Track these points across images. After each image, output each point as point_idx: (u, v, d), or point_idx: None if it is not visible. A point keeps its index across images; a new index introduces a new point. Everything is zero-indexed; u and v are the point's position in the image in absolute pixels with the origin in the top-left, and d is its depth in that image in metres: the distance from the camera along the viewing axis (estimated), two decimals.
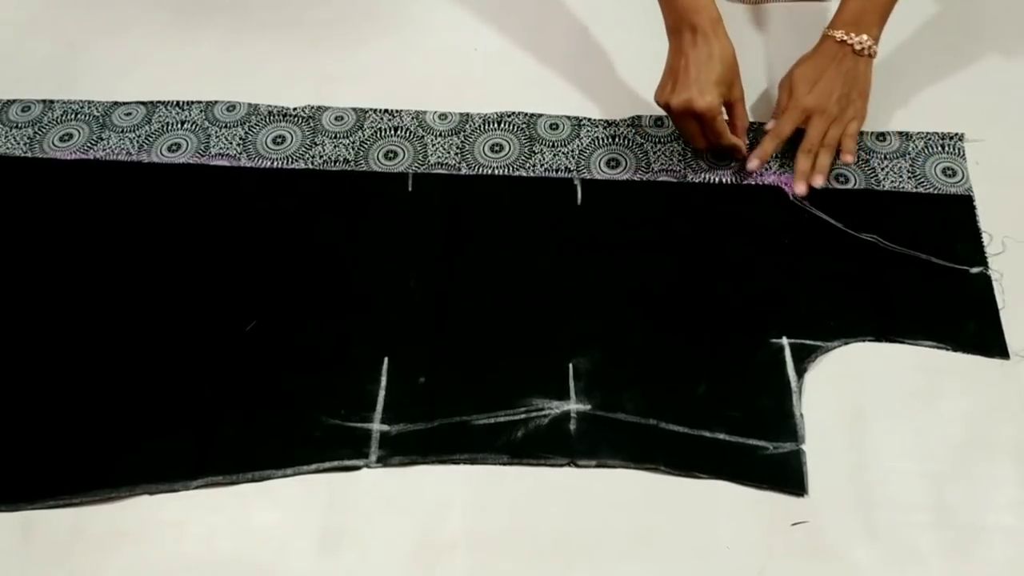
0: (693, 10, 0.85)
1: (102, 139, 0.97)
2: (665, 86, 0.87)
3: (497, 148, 0.95)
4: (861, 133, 0.95)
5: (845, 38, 0.89)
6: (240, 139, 0.97)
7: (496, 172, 0.93)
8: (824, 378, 0.79)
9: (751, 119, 0.95)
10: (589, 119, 0.98)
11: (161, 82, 1.03)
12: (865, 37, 0.89)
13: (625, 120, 0.97)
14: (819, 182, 0.89)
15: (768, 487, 0.73)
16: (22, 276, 0.87)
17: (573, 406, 0.78)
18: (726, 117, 0.90)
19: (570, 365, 0.80)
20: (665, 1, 0.87)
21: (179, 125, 0.98)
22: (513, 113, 0.98)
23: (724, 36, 0.86)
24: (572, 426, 0.77)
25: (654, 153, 0.94)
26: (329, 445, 0.76)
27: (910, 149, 0.94)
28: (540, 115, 0.98)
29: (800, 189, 0.89)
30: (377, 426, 0.77)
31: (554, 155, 0.95)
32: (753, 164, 0.90)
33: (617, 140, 0.96)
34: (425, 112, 0.99)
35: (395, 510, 0.73)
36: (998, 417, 0.77)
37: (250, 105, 1.00)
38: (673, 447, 0.75)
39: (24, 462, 0.76)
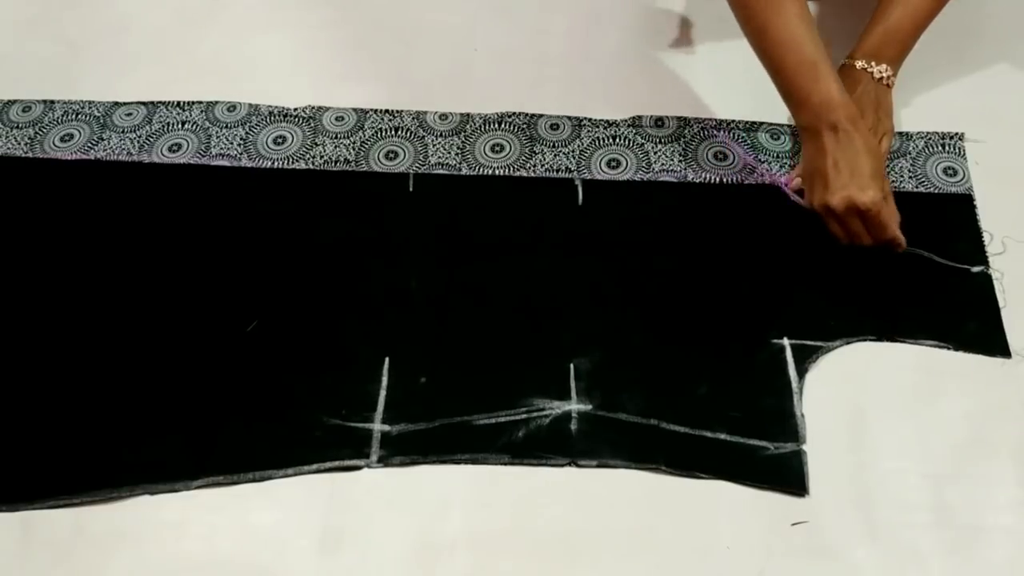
0: (830, 108, 0.81)
1: (103, 139, 0.97)
2: (816, 189, 0.82)
3: (498, 148, 0.95)
4: None
5: (866, 66, 0.89)
6: (241, 139, 0.97)
7: (497, 172, 0.93)
8: (825, 378, 0.79)
9: (753, 119, 0.95)
10: (590, 119, 0.98)
11: (162, 82, 1.03)
12: (885, 67, 0.89)
13: (625, 120, 0.97)
14: None
15: (769, 487, 0.74)
16: (23, 276, 0.87)
17: (574, 406, 0.78)
18: None
19: (571, 365, 0.80)
20: (797, 101, 0.83)
21: (180, 125, 0.98)
22: (514, 113, 0.98)
23: (867, 131, 0.83)
24: (573, 426, 0.77)
25: (655, 153, 0.94)
26: (330, 445, 0.76)
27: (910, 149, 0.94)
28: (540, 115, 0.98)
29: None
30: (378, 426, 0.77)
31: (555, 155, 0.95)
32: (796, 182, 0.87)
33: (618, 140, 0.96)
34: (426, 112, 0.99)
35: (395, 510, 0.73)
36: (998, 417, 0.77)
37: (251, 105, 1.00)
38: (674, 447, 0.75)
39: (25, 462, 0.76)
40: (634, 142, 0.96)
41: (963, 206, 0.89)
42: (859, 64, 0.89)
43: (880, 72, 0.89)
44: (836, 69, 0.90)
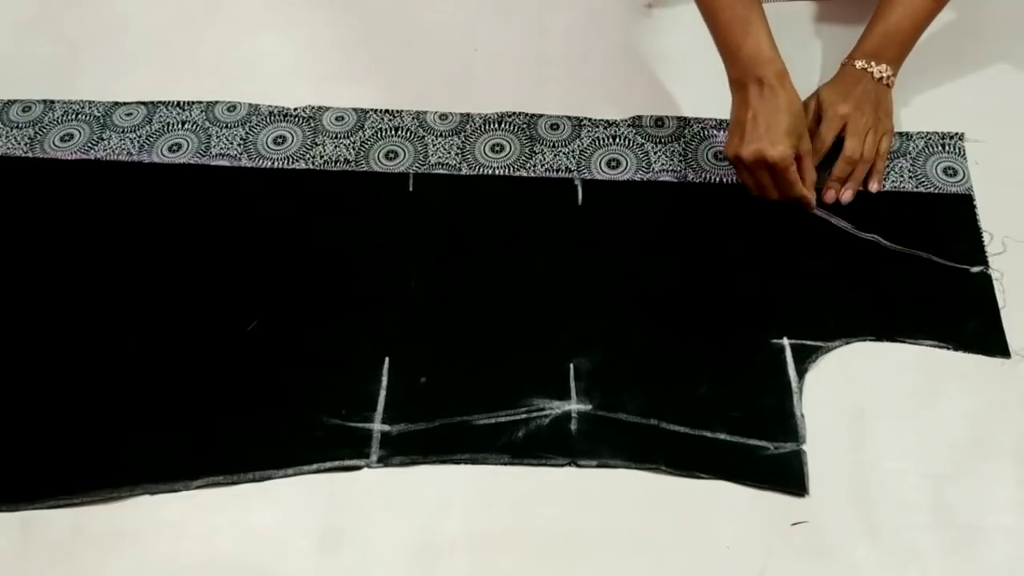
0: (758, 63, 0.84)
1: (103, 139, 0.97)
2: (733, 139, 0.86)
3: (498, 148, 0.95)
4: None
5: (866, 66, 0.90)
6: (241, 139, 0.97)
7: (497, 172, 0.93)
8: (825, 378, 0.79)
9: None
10: (589, 119, 0.98)
11: (162, 82, 1.03)
12: (885, 67, 0.90)
13: (625, 120, 0.97)
14: (848, 196, 0.88)
15: (769, 487, 0.73)
16: (23, 276, 0.87)
17: (574, 406, 0.78)
18: None
19: (571, 365, 0.80)
20: (728, 54, 0.86)
21: (180, 125, 0.98)
22: (513, 113, 0.98)
23: (791, 88, 0.85)
24: (573, 426, 0.77)
25: (655, 153, 0.94)
26: (330, 445, 0.76)
27: (910, 149, 0.94)
28: (540, 115, 0.98)
29: (828, 196, 0.88)
30: (378, 426, 0.77)
31: (555, 155, 0.95)
32: (811, 197, 0.88)
33: (618, 140, 0.96)
34: (426, 112, 0.99)
35: (395, 510, 0.73)
36: (998, 417, 0.77)
37: (251, 105, 1.00)
38: (674, 447, 0.75)
39: (25, 462, 0.76)
40: (634, 142, 0.96)
41: (963, 206, 0.89)
42: (859, 64, 0.90)
43: (880, 72, 0.90)
44: (838, 70, 0.91)
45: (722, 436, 0.76)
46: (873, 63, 0.90)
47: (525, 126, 0.97)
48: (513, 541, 0.72)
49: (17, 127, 0.98)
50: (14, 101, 1.01)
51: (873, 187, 0.90)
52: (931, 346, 0.80)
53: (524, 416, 0.77)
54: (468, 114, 0.98)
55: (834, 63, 0.94)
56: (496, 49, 1.06)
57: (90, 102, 1.00)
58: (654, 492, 0.74)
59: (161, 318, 0.84)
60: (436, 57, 1.05)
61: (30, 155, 0.96)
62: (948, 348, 0.80)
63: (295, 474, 0.75)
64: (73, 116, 0.99)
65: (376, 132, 0.97)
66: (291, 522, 0.73)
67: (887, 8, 0.90)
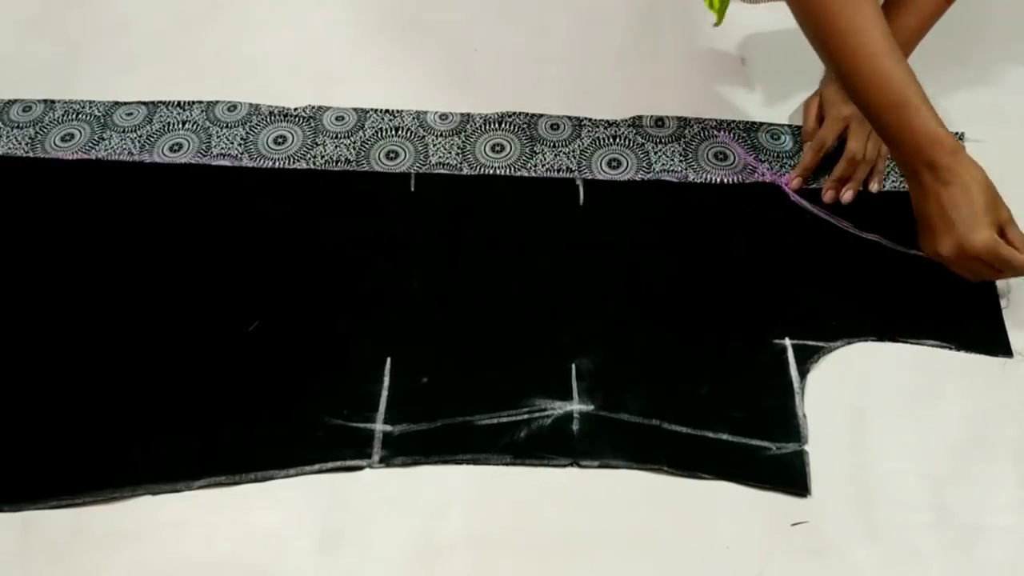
0: (929, 144, 0.76)
1: (104, 139, 0.97)
2: (929, 236, 0.79)
3: (498, 148, 0.95)
4: None
5: None
6: (241, 139, 0.97)
7: (497, 172, 0.93)
8: (826, 379, 0.79)
9: (753, 119, 0.96)
10: (590, 119, 0.98)
11: (162, 82, 1.03)
12: None
13: (626, 120, 0.97)
14: (849, 196, 0.88)
15: (771, 487, 0.74)
16: (24, 276, 0.87)
17: (576, 406, 0.78)
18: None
19: (573, 365, 0.80)
20: (890, 141, 0.79)
21: (180, 125, 0.98)
22: (514, 113, 0.98)
23: (971, 162, 0.77)
24: (575, 426, 0.77)
25: (655, 153, 0.94)
26: (332, 445, 0.76)
27: None
28: (541, 115, 0.98)
29: (828, 196, 0.88)
30: (380, 426, 0.77)
31: (555, 155, 0.95)
32: (796, 182, 0.89)
33: (618, 140, 0.96)
34: (426, 112, 0.99)
35: (395, 510, 0.73)
36: (999, 417, 0.77)
37: (251, 105, 1.00)
38: (676, 447, 0.75)
39: (26, 462, 0.76)
40: (635, 142, 0.96)
41: None
42: None
43: None
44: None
45: (724, 436, 0.76)
46: None
47: (525, 126, 0.97)
48: (514, 541, 0.72)
49: (18, 127, 0.98)
50: (15, 101, 1.01)
51: (873, 187, 0.90)
52: (933, 346, 0.80)
53: (526, 416, 0.77)
54: (468, 114, 0.98)
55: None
56: (496, 49, 1.06)
57: (91, 102, 1.00)
58: (654, 492, 0.74)
59: (162, 318, 0.83)
60: (436, 57, 1.05)
61: (31, 155, 0.96)
62: (950, 348, 0.80)
63: (297, 474, 0.75)
64: (74, 116, 0.99)
65: (377, 132, 0.97)
66: (291, 522, 0.73)
67: (893, 5, 0.88)
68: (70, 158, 0.96)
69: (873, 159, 0.89)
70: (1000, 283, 0.83)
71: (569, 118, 0.98)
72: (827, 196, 0.89)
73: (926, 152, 0.76)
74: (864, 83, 0.77)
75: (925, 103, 0.77)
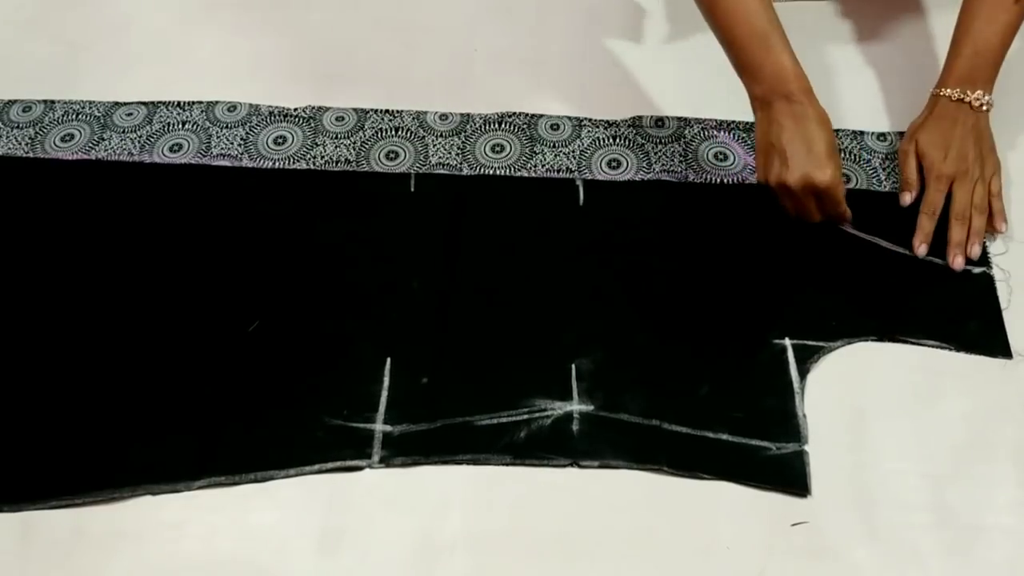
0: (783, 79, 0.80)
1: (103, 139, 0.97)
2: (770, 164, 0.81)
3: (498, 148, 0.95)
4: (861, 133, 0.95)
5: (962, 96, 0.86)
6: (241, 139, 0.97)
7: (497, 172, 0.93)
8: (826, 378, 0.79)
9: (753, 119, 0.96)
10: (590, 119, 0.98)
11: (162, 82, 1.03)
12: (980, 92, 0.86)
13: (626, 120, 0.97)
14: (976, 251, 0.84)
15: (771, 487, 0.74)
16: (24, 276, 0.87)
17: (576, 407, 0.78)
18: None
19: (572, 365, 0.80)
20: (749, 72, 0.82)
21: (180, 125, 0.98)
22: (514, 113, 0.98)
23: (818, 103, 0.81)
24: (575, 427, 0.77)
25: (655, 153, 0.94)
26: (332, 446, 0.76)
27: None
28: (541, 115, 0.98)
29: (959, 263, 0.84)
30: (380, 426, 0.77)
31: (555, 155, 0.95)
32: (923, 250, 0.85)
33: (618, 140, 0.96)
34: (426, 112, 0.99)
35: (395, 510, 0.73)
36: (999, 418, 0.77)
37: (251, 105, 1.00)
38: (676, 448, 0.75)
39: (26, 462, 0.76)
40: (635, 142, 0.96)
41: None
42: (955, 95, 0.86)
43: (978, 99, 0.86)
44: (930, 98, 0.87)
45: (724, 436, 0.76)
46: (968, 91, 0.85)
47: (525, 126, 0.97)
48: (514, 541, 0.72)
49: (18, 127, 0.98)
50: (14, 101, 1.01)
51: (1002, 228, 0.86)
52: (933, 347, 0.80)
53: (526, 417, 0.77)
54: (468, 114, 0.98)
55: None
56: (496, 49, 1.06)
57: (91, 102, 1.00)
58: (654, 492, 0.74)
59: (162, 318, 0.83)
60: (436, 57, 1.05)
61: (31, 155, 0.96)
62: (950, 349, 0.80)
63: (296, 474, 0.75)
64: (74, 116, 0.99)
65: (376, 132, 0.97)
66: (291, 522, 0.73)
67: (970, 27, 0.86)
68: (70, 158, 0.96)
69: (984, 206, 0.85)
70: (1000, 286, 0.83)
71: (569, 118, 0.98)
72: (957, 263, 0.84)
73: (785, 84, 0.80)
74: (731, 16, 0.82)
75: (787, 43, 0.81)
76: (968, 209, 0.85)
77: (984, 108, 0.86)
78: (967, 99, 0.86)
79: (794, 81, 0.80)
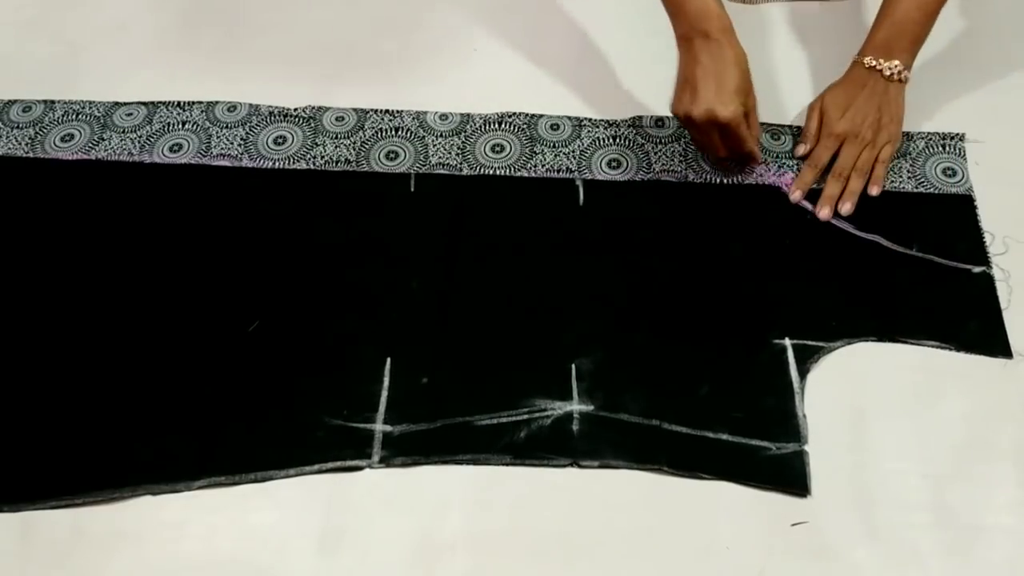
0: (704, 17, 0.84)
1: (103, 139, 0.97)
2: (682, 97, 0.86)
3: (498, 148, 0.95)
4: None
5: (875, 64, 0.89)
6: (241, 139, 0.97)
7: (497, 172, 0.93)
8: (826, 378, 0.79)
9: (761, 120, 0.96)
10: (590, 119, 0.98)
11: (162, 82, 1.03)
12: (896, 63, 0.88)
13: (626, 120, 0.97)
14: (847, 208, 0.88)
15: (771, 487, 0.74)
16: (24, 276, 0.87)
17: (576, 407, 0.78)
18: None
19: (573, 366, 0.80)
20: (674, 9, 0.86)
21: (180, 125, 0.98)
22: (514, 114, 0.98)
23: (737, 43, 0.85)
24: (575, 427, 0.77)
25: (655, 154, 0.94)
26: (332, 446, 0.76)
27: (911, 149, 0.94)
28: (541, 115, 0.98)
29: (824, 213, 0.88)
30: (380, 426, 0.77)
31: (555, 155, 0.95)
32: (796, 195, 0.89)
33: (618, 140, 0.96)
34: (426, 112, 0.99)
35: (395, 510, 0.73)
36: (999, 418, 0.77)
37: (251, 105, 1.00)
38: (676, 448, 0.75)
39: (26, 462, 0.76)
40: (635, 142, 0.96)
41: (964, 206, 0.89)
42: (867, 62, 0.89)
43: (891, 68, 0.88)
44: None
45: (724, 436, 0.76)
46: (882, 60, 0.88)
47: (525, 126, 0.97)
48: (514, 541, 0.72)
49: (18, 127, 0.98)
50: (14, 101, 1.01)
51: (873, 191, 0.89)
52: (933, 347, 0.80)
53: (526, 417, 0.77)
54: (468, 114, 0.98)
55: (843, 65, 0.93)
56: (496, 49, 1.06)
57: (90, 102, 1.00)
58: (654, 492, 0.74)
59: (162, 318, 0.83)
60: (436, 57, 1.05)
61: (31, 155, 0.96)
62: (950, 349, 0.80)
63: (297, 474, 0.75)
64: (74, 116, 0.99)
65: (376, 132, 0.97)
66: (291, 522, 0.73)
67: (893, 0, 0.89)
68: (70, 158, 0.96)
69: (866, 170, 0.89)
70: (1000, 286, 0.83)
71: (569, 118, 0.98)
72: (823, 213, 0.88)
73: (705, 23, 0.84)
74: None
75: None
76: (848, 170, 0.89)
77: (896, 79, 0.89)
78: (879, 67, 0.89)
79: (715, 20, 0.84)
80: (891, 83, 0.89)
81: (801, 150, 0.92)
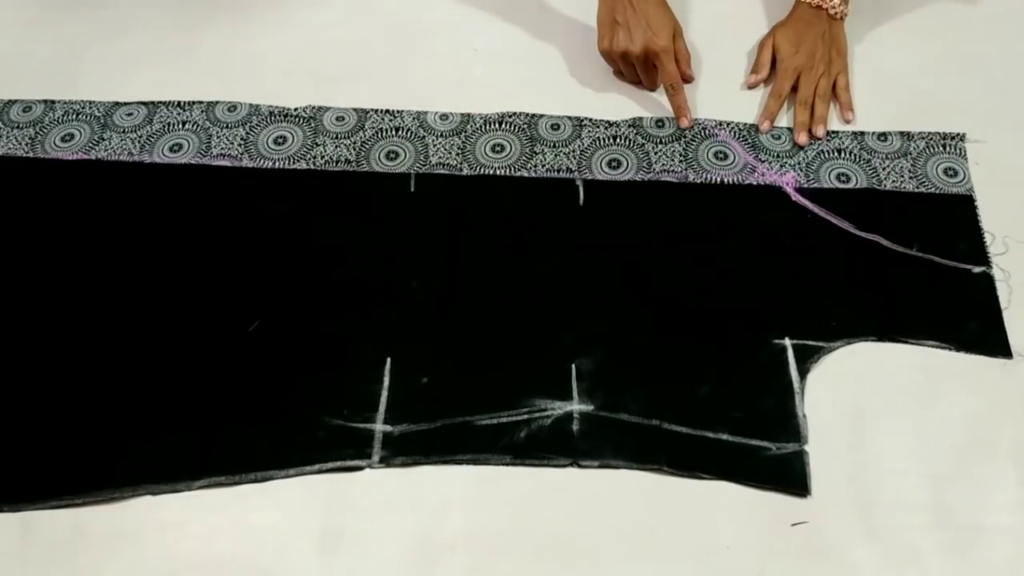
0: None
1: (104, 139, 0.97)
2: (615, 34, 0.95)
3: (498, 148, 0.95)
4: (862, 133, 0.95)
5: (820, 4, 0.97)
6: (241, 139, 0.97)
7: (498, 172, 0.93)
8: (826, 378, 0.79)
9: (753, 119, 0.96)
10: (590, 119, 0.98)
11: (162, 82, 1.03)
12: (837, 1, 0.97)
13: (626, 120, 0.97)
14: (821, 131, 0.94)
15: (771, 487, 0.74)
16: (24, 276, 0.87)
17: (576, 406, 0.78)
18: None
19: (573, 365, 0.80)
20: None
21: (180, 125, 0.98)
22: (514, 113, 0.98)
23: None
24: (575, 427, 0.77)
25: (655, 153, 0.94)
26: (332, 445, 0.76)
27: (911, 149, 0.94)
28: (541, 115, 0.98)
29: (803, 139, 0.94)
30: (380, 426, 0.77)
31: (555, 155, 0.95)
32: (766, 126, 0.95)
33: (618, 140, 0.96)
34: (426, 112, 0.99)
35: (395, 510, 0.73)
36: (998, 417, 0.77)
37: (251, 105, 1.00)
38: (676, 448, 0.75)
39: (26, 462, 0.76)
40: (635, 142, 0.96)
41: (964, 206, 0.89)
42: (814, 1, 0.97)
43: (834, 7, 0.97)
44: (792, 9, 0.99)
45: (724, 436, 0.76)
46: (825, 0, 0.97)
47: (526, 126, 0.97)
48: (514, 541, 0.72)
49: (18, 127, 0.98)
50: (14, 101, 1.01)
51: (848, 116, 0.96)
52: (933, 347, 0.80)
53: (526, 416, 0.77)
54: (469, 114, 0.98)
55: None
56: (496, 49, 1.06)
57: (91, 102, 1.00)
58: (654, 492, 0.74)
59: (162, 318, 0.83)
60: (436, 57, 1.05)
61: (31, 155, 0.96)
62: (950, 349, 0.80)
63: (297, 475, 0.75)
64: (74, 116, 0.99)
65: (377, 132, 0.97)
66: (291, 522, 0.73)
67: None
68: (70, 158, 0.96)
69: (827, 95, 0.96)
70: (1000, 286, 0.83)
71: (569, 118, 0.98)
72: (801, 139, 0.94)
73: None
74: None
75: None
76: (811, 97, 0.96)
77: (838, 16, 0.98)
78: (825, 6, 0.98)
79: None
80: (833, 21, 0.98)
81: (753, 79, 0.99)
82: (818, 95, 0.96)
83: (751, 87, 0.99)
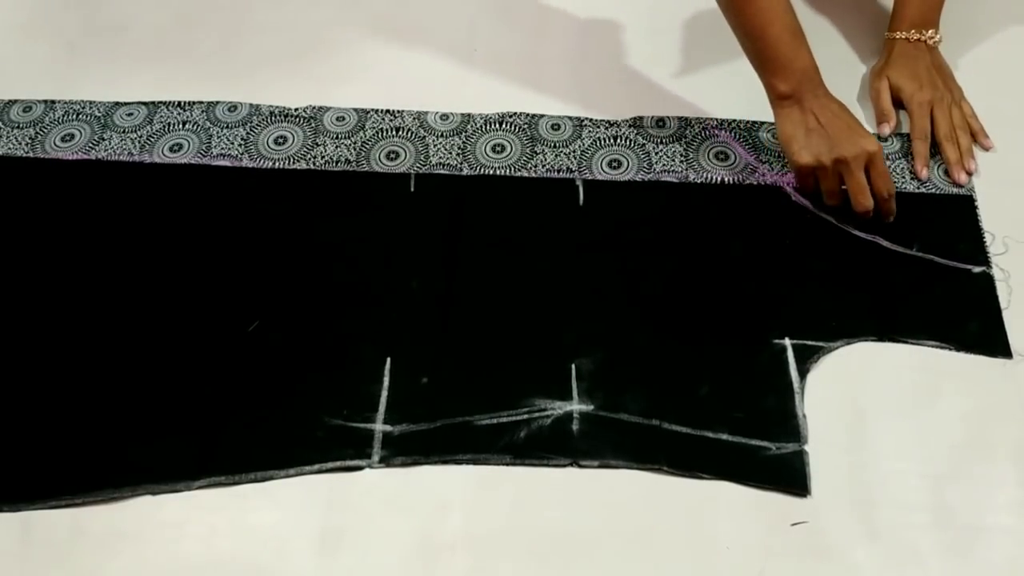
0: (812, 76, 0.87)
1: (104, 139, 0.97)
2: (817, 146, 0.86)
3: (499, 148, 0.95)
4: None
5: (919, 36, 0.95)
6: (242, 139, 0.97)
7: (498, 172, 0.93)
8: (826, 378, 0.79)
9: (754, 119, 0.96)
10: (591, 119, 0.98)
11: (162, 82, 1.03)
12: (932, 31, 0.96)
13: (627, 120, 0.97)
14: (974, 165, 0.91)
15: (771, 487, 0.74)
16: (24, 276, 0.87)
17: (576, 406, 0.78)
18: None
19: (573, 365, 0.80)
20: (777, 68, 0.86)
21: (181, 125, 0.98)
22: (514, 113, 0.98)
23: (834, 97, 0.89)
24: (575, 426, 0.77)
25: (656, 154, 0.94)
26: (332, 445, 0.76)
27: (912, 150, 0.94)
28: (541, 115, 0.98)
29: (962, 178, 0.90)
30: (380, 426, 0.77)
31: (556, 155, 0.95)
32: (925, 173, 0.91)
33: (619, 140, 0.96)
34: (427, 112, 0.99)
35: (395, 510, 0.73)
36: (998, 417, 0.77)
37: (251, 105, 1.00)
38: (676, 448, 0.75)
39: (25, 462, 0.76)
40: (635, 142, 0.96)
41: (964, 207, 0.89)
42: (912, 36, 0.95)
43: (931, 37, 0.95)
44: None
45: (724, 436, 0.76)
46: (923, 31, 0.95)
47: (526, 126, 0.97)
48: (514, 541, 0.72)
49: (18, 127, 0.98)
50: (15, 101, 1.01)
51: (988, 144, 0.94)
52: (933, 347, 0.80)
53: (526, 416, 0.77)
54: (469, 114, 0.98)
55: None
56: (496, 49, 1.06)
57: (91, 102, 1.00)
58: (654, 492, 0.74)
59: (162, 318, 0.84)
60: (436, 57, 1.05)
61: (31, 155, 0.96)
62: (950, 349, 0.80)
63: (297, 474, 0.75)
64: (74, 116, 0.99)
65: (377, 132, 0.97)
66: (291, 522, 0.73)
67: None
68: (70, 158, 0.96)
69: (965, 125, 0.93)
70: (1000, 286, 0.83)
71: (570, 118, 0.98)
72: (961, 178, 0.90)
73: (813, 80, 0.87)
74: (764, 14, 0.85)
75: (807, 42, 0.87)
76: (953, 130, 0.92)
77: (936, 45, 0.96)
78: (923, 38, 0.95)
79: (818, 78, 0.87)
80: (933, 50, 0.96)
81: (886, 129, 0.94)
82: (957, 127, 0.92)
83: (884, 138, 0.94)
